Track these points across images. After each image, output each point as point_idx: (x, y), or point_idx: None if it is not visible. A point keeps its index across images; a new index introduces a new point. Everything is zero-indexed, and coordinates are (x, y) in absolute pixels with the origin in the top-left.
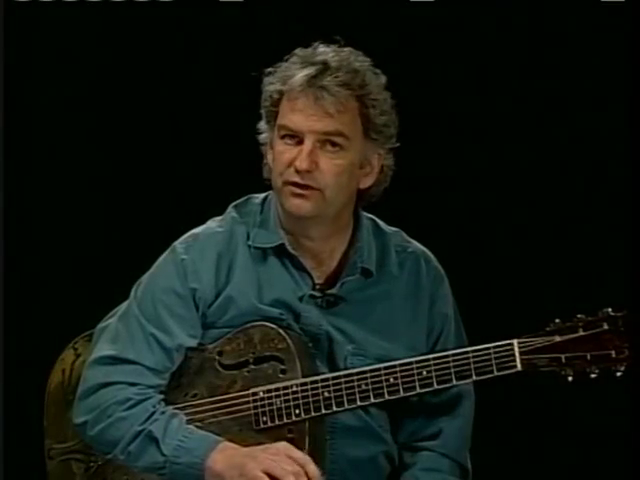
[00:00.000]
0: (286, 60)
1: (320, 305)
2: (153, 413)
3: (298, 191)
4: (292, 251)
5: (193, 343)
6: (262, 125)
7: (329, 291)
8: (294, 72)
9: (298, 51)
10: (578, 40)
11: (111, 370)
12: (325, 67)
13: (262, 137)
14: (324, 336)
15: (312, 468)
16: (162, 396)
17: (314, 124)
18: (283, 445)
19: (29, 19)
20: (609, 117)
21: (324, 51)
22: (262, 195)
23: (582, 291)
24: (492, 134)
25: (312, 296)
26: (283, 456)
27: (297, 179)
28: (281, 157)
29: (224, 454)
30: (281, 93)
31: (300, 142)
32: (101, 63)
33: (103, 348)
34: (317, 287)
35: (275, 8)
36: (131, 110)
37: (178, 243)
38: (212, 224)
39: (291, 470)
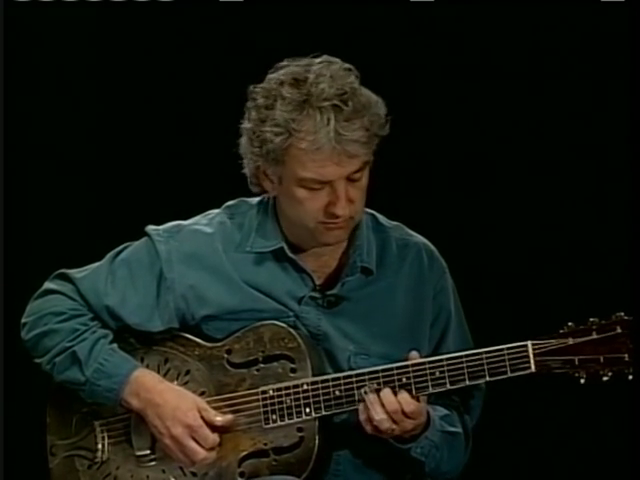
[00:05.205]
0: (276, 84)
1: (321, 305)
2: (83, 332)
3: (337, 226)
4: (291, 255)
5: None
6: (249, 148)
7: (329, 292)
8: (306, 123)
9: (286, 84)
10: (578, 40)
11: (62, 283)
12: (338, 109)
13: (249, 159)
14: (322, 337)
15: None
16: (95, 322)
17: (344, 170)
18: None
19: (29, 19)
20: (609, 117)
21: (317, 83)
22: (256, 199)
23: (595, 294)
24: (494, 134)
25: (312, 297)
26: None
27: (335, 219)
28: (310, 204)
29: (138, 392)
30: (290, 141)
31: (324, 183)
32: (101, 63)
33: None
34: (317, 288)
35: (275, 8)
36: (130, 109)
37: (160, 231)
38: (202, 220)
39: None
